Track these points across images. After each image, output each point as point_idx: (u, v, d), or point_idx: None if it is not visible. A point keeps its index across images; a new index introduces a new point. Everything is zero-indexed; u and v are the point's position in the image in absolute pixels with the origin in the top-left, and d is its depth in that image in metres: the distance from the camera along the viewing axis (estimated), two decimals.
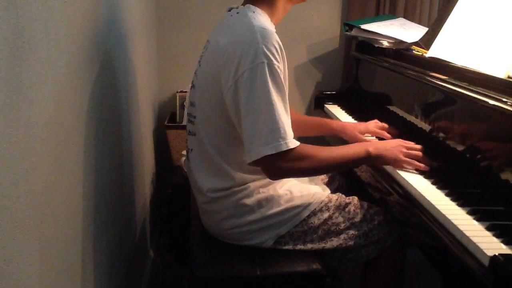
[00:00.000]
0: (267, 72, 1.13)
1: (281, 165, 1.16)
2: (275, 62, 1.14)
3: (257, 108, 1.13)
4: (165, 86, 2.53)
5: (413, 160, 1.31)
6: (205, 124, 1.28)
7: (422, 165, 1.30)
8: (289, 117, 1.18)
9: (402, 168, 1.31)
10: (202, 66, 1.30)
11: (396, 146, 1.33)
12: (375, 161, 1.32)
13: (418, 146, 1.35)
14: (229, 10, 1.30)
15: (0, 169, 0.67)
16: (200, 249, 1.35)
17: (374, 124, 1.66)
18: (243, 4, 1.29)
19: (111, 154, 1.37)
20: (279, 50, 1.16)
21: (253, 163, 1.16)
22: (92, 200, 1.15)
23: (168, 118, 2.39)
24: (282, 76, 1.16)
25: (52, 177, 0.88)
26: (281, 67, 1.17)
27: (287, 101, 1.18)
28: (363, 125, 1.66)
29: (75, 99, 1.03)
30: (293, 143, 1.14)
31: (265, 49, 1.13)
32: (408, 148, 1.33)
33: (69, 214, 0.98)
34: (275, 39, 1.16)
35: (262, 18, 1.22)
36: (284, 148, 1.12)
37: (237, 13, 1.24)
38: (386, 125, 1.65)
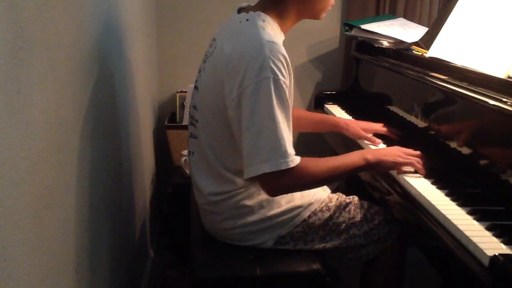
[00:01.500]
0: (272, 87, 1.10)
1: (280, 182, 1.13)
2: (281, 77, 1.11)
3: (259, 123, 1.10)
4: (165, 86, 2.53)
5: (412, 161, 1.28)
6: (206, 129, 1.26)
7: (420, 167, 1.28)
8: (291, 133, 1.15)
9: (402, 172, 1.29)
10: (206, 69, 1.27)
11: (394, 151, 1.31)
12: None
13: (417, 152, 1.32)
14: (239, 12, 1.26)
15: (0, 169, 0.67)
16: (200, 249, 1.35)
17: (378, 125, 1.66)
18: (254, 10, 1.24)
19: (111, 154, 1.37)
20: (285, 65, 1.13)
21: (251, 179, 1.14)
22: (92, 200, 1.15)
23: (168, 118, 2.38)
24: (287, 92, 1.14)
25: (52, 177, 0.88)
26: (287, 82, 1.14)
27: (291, 118, 1.15)
28: (364, 123, 1.66)
29: (75, 99, 1.03)
30: (294, 161, 1.11)
31: (271, 64, 1.10)
32: (406, 154, 1.31)
33: (69, 214, 0.98)
34: (283, 53, 1.13)
35: (272, 29, 1.19)
36: (284, 167, 1.10)
37: (247, 19, 1.20)
38: (385, 129, 1.65)
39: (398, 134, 1.62)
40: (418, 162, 1.28)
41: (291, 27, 1.30)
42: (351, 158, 1.26)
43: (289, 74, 1.17)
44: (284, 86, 1.12)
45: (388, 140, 1.60)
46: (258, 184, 1.19)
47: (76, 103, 1.04)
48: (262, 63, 1.10)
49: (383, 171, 1.34)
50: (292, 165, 1.11)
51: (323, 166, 1.20)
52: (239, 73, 1.12)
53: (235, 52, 1.14)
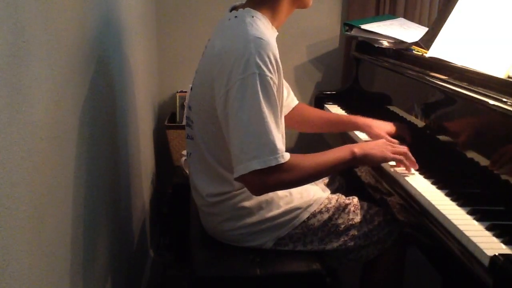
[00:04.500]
0: (258, 83, 1.08)
1: (268, 180, 1.10)
2: (267, 73, 1.09)
3: (247, 120, 1.08)
4: (165, 86, 2.53)
5: (402, 158, 1.28)
6: (201, 129, 1.26)
7: (412, 161, 1.28)
8: (280, 130, 1.13)
9: (398, 171, 1.28)
10: (199, 69, 1.27)
11: (381, 144, 1.30)
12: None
13: (404, 149, 1.31)
14: (231, 10, 1.26)
15: (0, 169, 0.67)
16: (200, 249, 1.35)
17: (399, 125, 1.61)
18: (244, 7, 1.23)
19: (111, 154, 1.37)
20: (273, 61, 1.12)
21: (239, 178, 1.11)
22: (92, 200, 1.15)
23: (168, 118, 2.39)
24: (275, 89, 1.12)
25: (52, 177, 0.88)
26: (274, 78, 1.12)
27: (279, 114, 1.13)
28: (389, 125, 1.59)
29: (74, 99, 1.03)
30: (284, 157, 1.10)
31: (257, 59, 1.09)
32: (394, 148, 1.30)
33: (69, 214, 0.98)
34: (271, 49, 1.11)
35: (261, 25, 1.17)
36: (274, 163, 1.08)
37: (236, 17, 1.20)
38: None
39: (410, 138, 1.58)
40: (407, 158, 1.28)
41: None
42: (338, 152, 1.24)
43: (278, 71, 1.15)
44: (271, 82, 1.11)
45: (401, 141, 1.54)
46: (243, 183, 1.15)
47: (75, 103, 1.04)
48: (248, 60, 1.09)
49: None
50: (282, 161, 1.09)
51: (311, 163, 1.18)
52: (226, 70, 1.11)
53: (223, 50, 1.14)
